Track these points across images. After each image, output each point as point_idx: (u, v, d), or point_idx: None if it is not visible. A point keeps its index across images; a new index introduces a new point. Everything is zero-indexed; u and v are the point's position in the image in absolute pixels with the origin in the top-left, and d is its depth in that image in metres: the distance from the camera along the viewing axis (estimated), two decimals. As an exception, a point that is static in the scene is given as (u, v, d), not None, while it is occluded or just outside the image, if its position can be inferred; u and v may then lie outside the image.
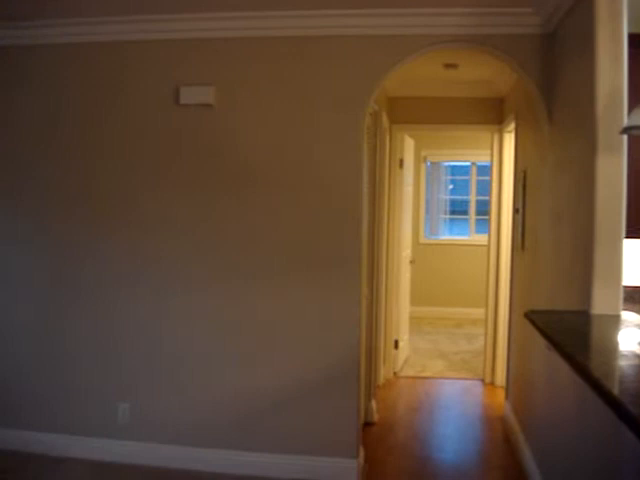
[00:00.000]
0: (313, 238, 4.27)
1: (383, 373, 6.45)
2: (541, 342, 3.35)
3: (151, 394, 4.52)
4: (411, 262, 7.51)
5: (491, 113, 6.35)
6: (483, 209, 8.87)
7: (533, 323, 2.78)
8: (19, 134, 4.61)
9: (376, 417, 5.42)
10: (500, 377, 6.29)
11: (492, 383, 6.48)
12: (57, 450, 4.61)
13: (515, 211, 5.23)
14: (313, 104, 4.24)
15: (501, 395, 5.95)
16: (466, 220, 10.52)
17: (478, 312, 8.03)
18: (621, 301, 2.89)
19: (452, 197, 11.08)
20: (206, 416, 4.45)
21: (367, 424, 5.22)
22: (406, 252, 7.19)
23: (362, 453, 4.46)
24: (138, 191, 4.46)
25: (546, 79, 3.99)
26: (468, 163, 10.31)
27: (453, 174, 11.03)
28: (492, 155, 6.52)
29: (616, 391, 1.70)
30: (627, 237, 2.90)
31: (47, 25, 4.38)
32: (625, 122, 2.69)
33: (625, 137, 2.84)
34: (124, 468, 4.46)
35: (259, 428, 4.38)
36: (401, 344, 7.00)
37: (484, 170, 9.61)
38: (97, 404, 4.59)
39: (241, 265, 4.36)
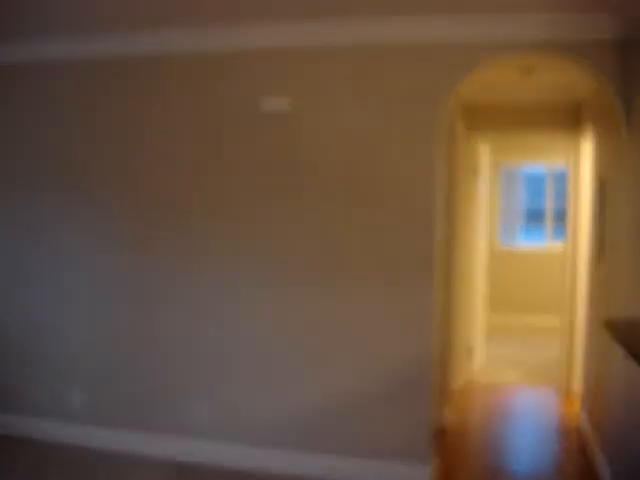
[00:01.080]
0: (388, 243, 4.30)
1: (457, 380, 6.42)
2: (619, 351, 3.31)
3: (224, 396, 4.63)
4: (486, 269, 7.45)
5: (568, 119, 6.25)
6: (560, 216, 8.73)
7: (611, 332, 2.75)
8: (102, 140, 4.80)
9: (449, 424, 5.40)
10: (576, 386, 6.18)
11: (568, 392, 6.37)
12: (130, 448, 4.80)
13: (593, 219, 5.15)
14: (388, 111, 4.27)
15: (577, 405, 5.84)
16: (542, 227, 10.36)
17: (554, 320, 7.90)
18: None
19: (528, 204, 10.92)
20: (279, 417, 4.53)
21: (440, 431, 5.21)
22: (481, 259, 7.14)
23: (434, 460, 4.46)
24: (224, 196, 4.59)
25: (625, 85, 3.94)
26: (544, 170, 10.15)
27: (529, 181, 10.87)
28: (569, 162, 6.43)
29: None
30: None
31: (144, 35, 4.57)
32: None
33: None
34: (197, 467, 4.59)
35: (330, 431, 4.43)
36: (476, 351, 6.95)
37: (561, 177, 9.45)
38: (172, 404, 4.74)
39: (317, 268, 4.43)
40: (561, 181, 9.19)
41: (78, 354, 4.96)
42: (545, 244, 10.14)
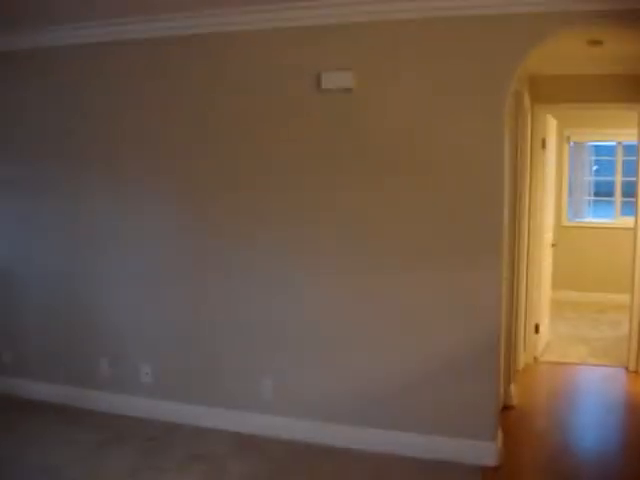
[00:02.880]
0: (454, 219, 4.26)
1: (523, 358, 6.34)
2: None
3: (292, 371, 4.68)
4: (553, 245, 7.32)
5: (638, 90, 6.07)
6: (630, 191, 8.50)
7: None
8: (177, 125, 4.88)
9: (515, 401, 5.35)
10: (645, 365, 6.06)
11: (636, 371, 6.23)
12: (200, 421, 4.89)
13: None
14: (452, 86, 4.21)
15: (646, 383, 5.74)
16: (611, 202, 10.11)
17: (622, 298, 7.72)
18: None
19: (596, 178, 10.66)
20: (343, 393, 4.56)
21: (506, 408, 5.17)
22: (548, 235, 7.02)
23: (500, 436, 4.43)
24: (282, 177, 4.62)
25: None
26: (613, 143, 9.88)
27: (597, 154, 10.61)
28: (639, 134, 6.25)
29: None
30: None
31: (203, 15, 4.59)
32: None
33: None
34: (263, 440, 4.66)
35: (395, 407, 4.45)
36: (542, 329, 6.86)
37: (631, 150, 9.19)
38: (241, 379, 4.81)
39: (380, 247, 4.42)
40: (631, 154, 8.94)
41: (148, 330, 5.08)
42: (614, 220, 9.90)
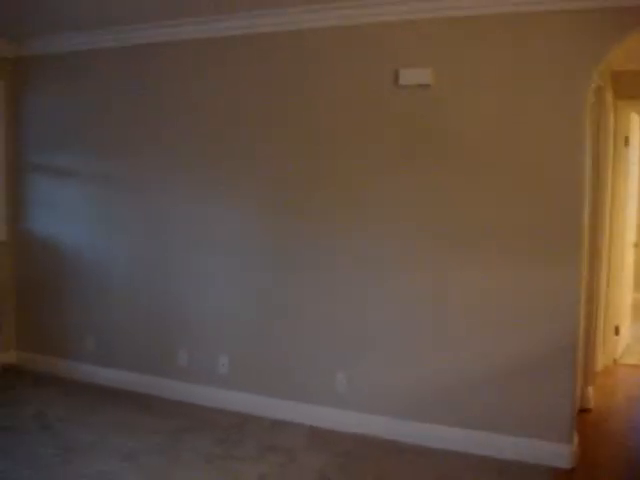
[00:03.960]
0: (532, 219, 4.22)
1: (602, 360, 6.22)
2: None
3: (367, 367, 4.71)
4: (635, 245, 7.14)
5: None
6: None
7: None
8: (258, 124, 4.96)
9: (592, 404, 5.26)
10: None
11: None
12: (274, 413, 4.98)
13: None
14: (531, 82, 4.16)
15: None
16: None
17: None
18: None
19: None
20: (416, 390, 4.57)
21: (583, 410, 5.08)
22: (630, 234, 6.84)
23: (576, 439, 4.36)
24: (357, 171, 4.65)
25: None
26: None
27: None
28: None
29: None
30: None
31: (282, 13, 4.71)
32: None
33: None
34: (335, 434, 4.72)
35: (469, 405, 4.43)
36: (622, 330, 6.70)
37: None
38: (316, 373, 4.87)
39: (458, 245, 4.41)
40: None
41: (226, 323, 5.19)
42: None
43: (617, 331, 6.52)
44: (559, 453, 4.19)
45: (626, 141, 6.37)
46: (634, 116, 6.59)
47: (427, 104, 4.42)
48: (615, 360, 6.55)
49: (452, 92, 4.35)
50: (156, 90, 5.33)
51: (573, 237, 4.15)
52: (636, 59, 5.63)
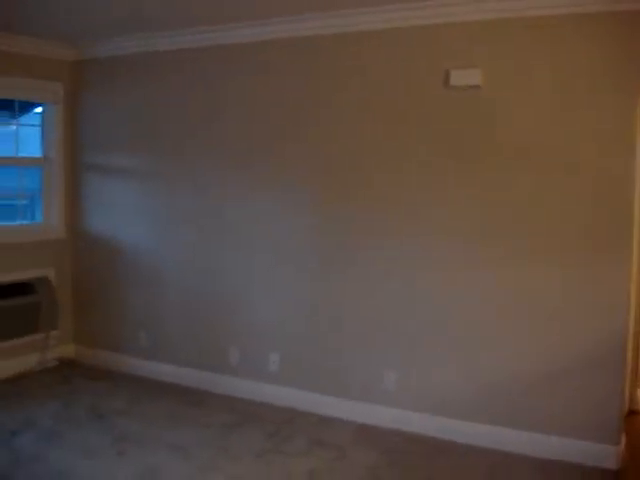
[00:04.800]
0: (581, 217, 4.22)
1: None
2: None
3: (416, 366, 4.76)
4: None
5: None
6: None
7: None
8: (309, 122, 5.06)
9: (642, 406, 5.22)
10: None
11: None
12: (323, 410, 5.06)
13: None
14: (582, 83, 4.16)
15: None
16: None
17: None
18: None
19: None
20: (465, 389, 4.60)
21: (632, 412, 5.04)
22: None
23: (624, 440, 4.34)
24: (407, 172, 4.70)
25: None
26: None
27: None
28: None
29: None
30: None
31: (337, 15, 4.79)
32: None
33: None
34: (384, 432, 4.78)
35: (517, 405, 4.44)
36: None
37: None
38: (366, 370, 4.93)
39: (509, 244, 4.43)
40: None
41: (277, 320, 5.29)
42: None
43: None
44: (606, 454, 4.19)
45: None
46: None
47: (477, 105, 4.44)
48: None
49: (502, 93, 4.37)
50: (209, 90, 5.45)
51: (623, 235, 4.13)
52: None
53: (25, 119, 6.36)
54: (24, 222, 6.35)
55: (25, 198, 6.46)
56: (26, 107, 6.27)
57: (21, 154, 6.15)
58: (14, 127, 6.12)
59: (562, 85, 4.21)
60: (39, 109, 6.24)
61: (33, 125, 6.29)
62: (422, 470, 4.18)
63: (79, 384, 5.73)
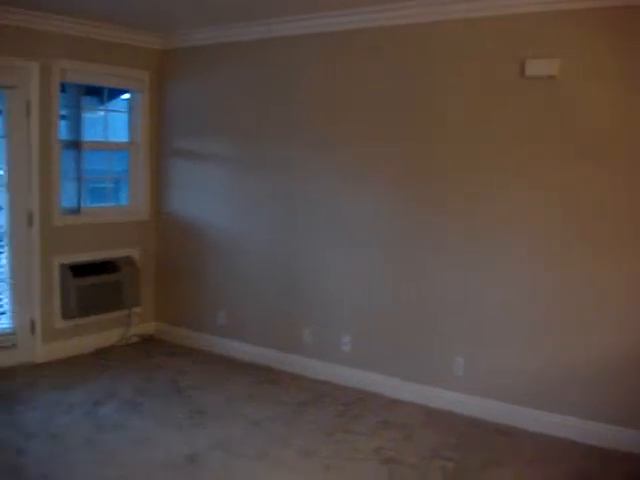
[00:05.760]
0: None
1: None
2: None
3: (485, 351, 4.79)
4: None
5: None
6: None
7: None
8: (391, 108, 5.15)
9: None
10: None
11: None
12: (393, 392, 5.17)
13: None
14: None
15: None
16: None
17: None
18: None
19: None
20: (531, 377, 4.61)
21: None
22: None
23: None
24: (479, 161, 4.73)
25: None
26: None
27: None
28: None
29: None
30: None
31: (421, 4, 4.83)
32: None
33: None
34: (451, 415, 4.86)
35: (581, 395, 4.43)
36: None
37: None
38: (435, 355, 5.01)
39: (578, 233, 4.42)
40: None
41: (351, 303, 5.41)
42: None
43: None
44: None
45: None
46: None
47: (553, 95, 4.42)
48: None
49: (578, 83, 4.33)
50: (292, 78, 5.59)
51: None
52: None
53: (113, 105, 6.66)
54: (112, 204, 6.67)
55: (113, 181, 6.77)
56: (114, 93, 6.56)
57: (110, 139, 6.44)
58: (103, 113, 6.41)
59: (637, 75, 4.16)
60: (126, 96, 6.52)
61: (121, 111, 6.57)
62: (487, 455, 4.23)
63: (159, 359, 6.00)
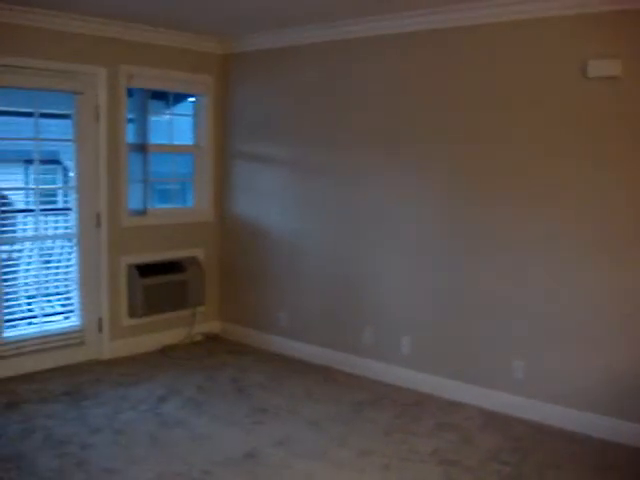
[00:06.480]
0: None
1: None
2: None
3: (545, 355, 4.73)
4: None
5: None
6: None
7: None
8: (447, 110, 5.15)
9: None
10: None
11: None
12: (452, 394, 5.16)
13: None
14: None
15: None
16: None
17: None
18: None
19: None
20: (591, 382, 4.53)
21: None
22: None
23: None
24: (545, 163, 4.69)
25: None
26: None
27: None
28: None
29: None
30: None
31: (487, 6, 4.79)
32: None
33: None
34: (510, 419, 4.81)
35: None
36: None
37: None
38: (494, 359, 4.97)
39: (631, 236, 4.34)
40: None
41: (410, 305, 5.41)
42: None
43: None
44: None
45: None
46: None
47: (615, 96, 4.34)
48: None
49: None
50: (352, 82, 5.62)
51: None
52: None
53: (178, 109, 6.81)
54: (178, 205, 6.82)
55: (179, 183, 6.92)
56: (180, 97, 6.72)
57: (175, 142, 6.60)
58: (168, 116, 6.57)
59: None
60: (192, 99, 6.66)
61: (186, 115, 6.72)
62: (545, 460, 4.19)
63: (222, 358, 6.11)
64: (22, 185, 5.79)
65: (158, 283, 6.14)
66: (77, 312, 5.84)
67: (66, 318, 5.83)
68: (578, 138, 4.50)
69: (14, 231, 5.53)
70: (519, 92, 4.74)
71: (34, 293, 5.62)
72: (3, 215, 5.41)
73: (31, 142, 5.44)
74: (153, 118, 6.31)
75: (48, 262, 5.72)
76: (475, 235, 5.01)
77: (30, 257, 5.63)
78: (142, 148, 6.06)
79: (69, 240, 5.78)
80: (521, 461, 4.15)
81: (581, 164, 4.51)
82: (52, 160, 6.03)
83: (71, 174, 5.78)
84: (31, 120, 5.41)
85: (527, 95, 4.70)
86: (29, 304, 5.65)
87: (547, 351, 4.72)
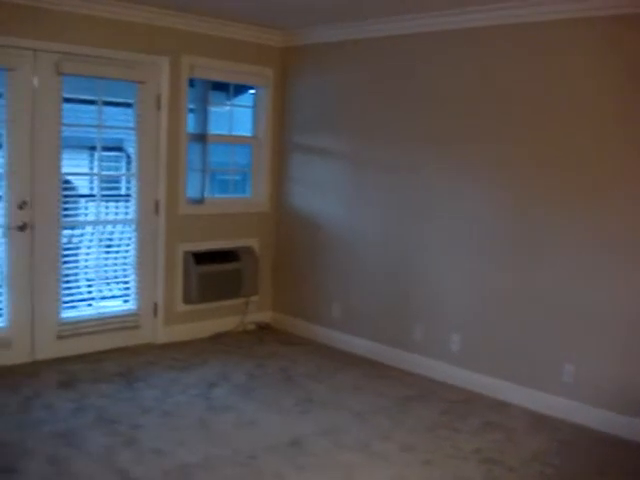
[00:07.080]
0: None
1: None
2: None
3: (596, 359, 4.66)
4: None
5: None
6: None
7: None
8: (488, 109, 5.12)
9: None
10: None
11: None
12: (499, 394, 5.13)
13: None
14: None
15: None
16: None
17: None
18: None
19: None
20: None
21: None
22: None
23: None
24: (598, 159, 4.63)
25: None
26: None
27: None
28: None
29: None
30: None
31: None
32: None
33: None
34: (557, 422, 4.76)
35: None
36: None
37: None
38: (544, 361, 4.92)
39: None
40: None
41: (461, 302, 5.40)
42: None
43: None
44: None
45: None
46: None
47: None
48: None
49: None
50: (411, 77, 5.63)
51: None
52: None
53: (238, 100, 6.91)
54: (235, 195, 6.93)
55: (238, 173, 7.03)
56: (240, 89, 6.82)
57: (234, 133, 6.70)
58: (228, 108, 6.67)
59: None
60: (252, 91, 6.75)
61: (246, 106, 6.82)
62: (589, 463, 4.15)
63: (273, 347, 6.21)
64: (87, 171, 5.96)
65: (213, 271, 6.25)
66: (134, 296, 6.00)
67: (124, 302, 6.00)
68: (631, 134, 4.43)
69: (76, 215, 5.71)
70: (569, 92, 4.68)
71: (93, 276, 5.79)
72: (66, 199, 5.59)
73: (95, 129, 5.61)
74: (213, 109, 6.42)
75: (108, 247, 5.88)
76: (536, 235, 4.95)
77: (90, 241, 5.80)
78: (202, 138, 6.18)
79: (129, 226, 5.93)
80: (565, 463, 4.12)
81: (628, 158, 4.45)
82: (116, 147, 6.18)
83: (133, 162, 5.93)
84: (95, 108, 5.57)
85: (577, 95, 4.64)
86: (88, 287, 5.83)
87: (599, 356, 4.65)
